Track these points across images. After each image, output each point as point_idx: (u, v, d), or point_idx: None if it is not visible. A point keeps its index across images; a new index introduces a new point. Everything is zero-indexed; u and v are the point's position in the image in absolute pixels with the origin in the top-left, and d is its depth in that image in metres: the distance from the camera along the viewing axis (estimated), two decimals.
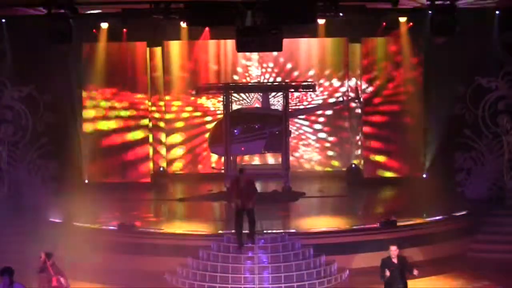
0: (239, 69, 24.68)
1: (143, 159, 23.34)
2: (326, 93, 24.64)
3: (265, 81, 24.39)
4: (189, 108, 24.76)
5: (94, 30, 20.57)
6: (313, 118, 24.79)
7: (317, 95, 24.39)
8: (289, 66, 24.56)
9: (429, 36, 16.41)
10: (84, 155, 22.59)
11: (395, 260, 12.12)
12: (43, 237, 16.95)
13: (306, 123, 24.86)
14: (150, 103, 23.58)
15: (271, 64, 24.57)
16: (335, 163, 24.94)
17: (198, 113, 24.80)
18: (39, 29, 16.43)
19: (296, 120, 24.59)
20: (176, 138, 24.71)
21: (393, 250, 12.13)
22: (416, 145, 22.81)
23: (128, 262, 16.37)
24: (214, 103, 24.58)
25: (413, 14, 18.64)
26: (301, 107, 24.53)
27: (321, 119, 24.81)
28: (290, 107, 22.78)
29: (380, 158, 23.31)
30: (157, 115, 24.11)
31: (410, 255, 16.26)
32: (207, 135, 23.69)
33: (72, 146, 21.83)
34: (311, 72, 24.52)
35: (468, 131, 21.25)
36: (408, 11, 18.80)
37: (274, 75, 24.67)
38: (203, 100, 24.63)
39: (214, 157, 24.24)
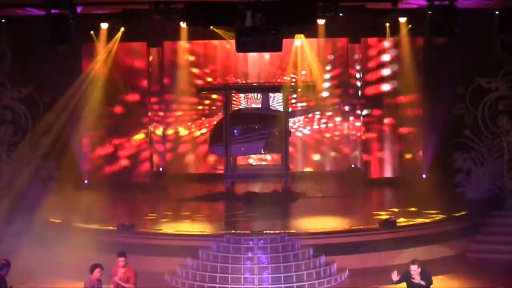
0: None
1: (142, 159, 23.33)
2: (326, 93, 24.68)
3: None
4: (189, 108, 24.78)
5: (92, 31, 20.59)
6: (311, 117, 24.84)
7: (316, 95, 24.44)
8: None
9: (429, 36, 16.41)
10: (83, 156, 22.56)
11: (417, 279, 11.10)
12: (42, 237, 16.98)
13: (306, 123, 24.91)
14: (149, 103, 23.62)
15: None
16: (335, 163, 24.94)
17: (198, 114, 24.79)
18: (39, 29, 16.41)
19: (295, 120, 24.62)
20: (176, 138, 24.68)
21: (414, 270, 11.15)
22: (416, 145, 22.82)
23: (128, 262, 16.30)
24: (215, 104, 24.62)
25: (413, 14, 18.63)
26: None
27: (321, 119, 24.81)
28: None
29: (379, 158, 23.32)
30: (156, 115, 24.14)
31: (410, 255, 16.38)
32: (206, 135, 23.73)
33: (72, 146, 21.80)
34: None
35: (468, 131, 21.24)
36: (408, 11, 18.80)
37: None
38: (204, 100, 24.66)
39: (214, 157, 24.27)
